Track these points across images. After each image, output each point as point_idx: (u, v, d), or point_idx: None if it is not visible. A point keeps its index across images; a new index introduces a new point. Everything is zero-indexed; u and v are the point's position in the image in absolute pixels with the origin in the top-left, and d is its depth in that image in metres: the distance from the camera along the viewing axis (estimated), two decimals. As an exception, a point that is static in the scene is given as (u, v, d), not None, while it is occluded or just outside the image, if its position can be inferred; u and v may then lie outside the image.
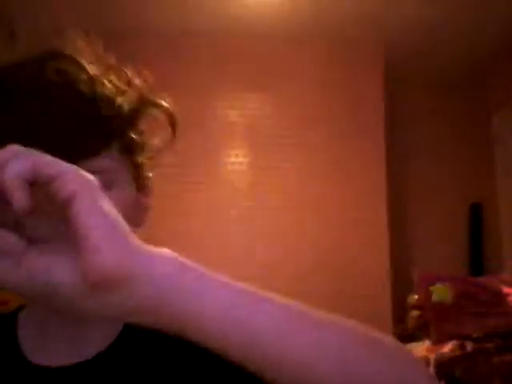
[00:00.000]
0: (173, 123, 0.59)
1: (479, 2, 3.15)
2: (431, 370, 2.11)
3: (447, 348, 2.22)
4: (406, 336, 2.83)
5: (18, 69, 0.52)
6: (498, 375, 2.02)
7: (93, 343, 0.57)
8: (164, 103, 0.58)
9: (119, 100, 0.54)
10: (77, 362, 0.56)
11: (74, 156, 0.45)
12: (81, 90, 0.50)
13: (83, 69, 0.51)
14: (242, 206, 3.47)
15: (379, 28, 3.51)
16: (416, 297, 2.96)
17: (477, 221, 4.06)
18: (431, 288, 2.54)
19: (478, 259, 3.98)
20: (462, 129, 4.16)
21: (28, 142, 0.41)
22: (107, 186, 0.49)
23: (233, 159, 3.54)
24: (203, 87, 3.53)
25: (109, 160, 0.52)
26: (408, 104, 4.14)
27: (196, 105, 3.40)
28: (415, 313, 2.95)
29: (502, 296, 2.53)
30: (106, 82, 0.53)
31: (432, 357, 2.19)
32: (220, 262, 3.30)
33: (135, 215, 0.57)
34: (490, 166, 3.94)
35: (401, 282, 3.51)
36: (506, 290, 2.58)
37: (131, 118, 0.55)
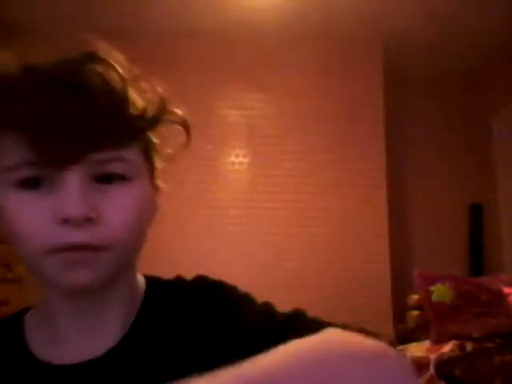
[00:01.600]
0: (188, 132, 0.64)
1: (478, 3, 3.15)
2: (431, 369, 2.11)
3: (447, 348, 2.22)
4: (406, 336, 2.83)
5: (55, 65, 0.54)
6: (499, 375, 2.01)
7: (107, 334, 0.58)
8: (181, 112, 0.63)
9: (144, 103, 0.57)
10: (90, 358, 0.56)
11: (105, 145, 0.51)
12: (114, 88, 0.54)
13: (116, 71, 0.55)
14: (242, 206, 3.47)
15: (378, 27, 3.51)
16: (416, 297, 2.96)
17: (477, 221, 4.05)
18: (431, 288, 2.54)
19: (478, 259, 3.98)
20: (461, 129, 4.16)
21: (64, 132, 0.48)
22: (131, 176, 0.55)
23: (233, 159, 3.54)
24: (204, 87, 3.53)
25: (134, 153, 0.56)
26: (407, 104, 4.14)
27: (196, 105, 3.40)
28: (415, 313, 2.95)
29: (502, 296, 2.53)
30: (134, 86, 0.57)
31: (432, 357, 2.19)
32: (220, 261, 3.31)
33: (149, 212, 0.60)
34: (490, 166, 3.94)
35: (401, 282, 3.51)
36: (506, 290, 2.57)
37: (153, 122, 0.59)
